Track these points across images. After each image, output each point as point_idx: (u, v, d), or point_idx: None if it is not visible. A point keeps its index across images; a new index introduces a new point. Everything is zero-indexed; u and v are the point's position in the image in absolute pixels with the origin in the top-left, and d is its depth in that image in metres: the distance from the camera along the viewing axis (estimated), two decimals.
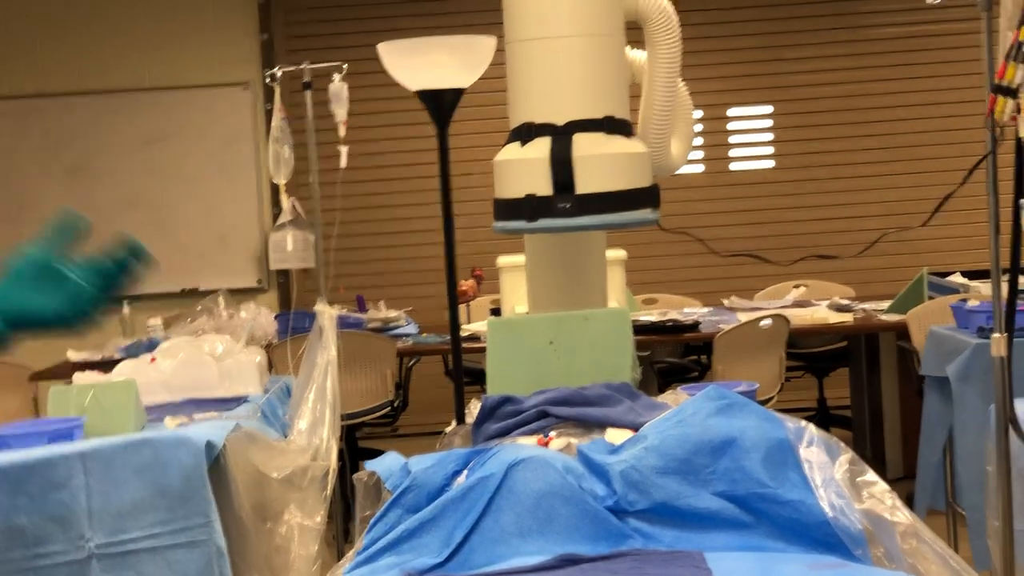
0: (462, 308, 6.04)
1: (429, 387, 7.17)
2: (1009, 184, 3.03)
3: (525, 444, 2.60)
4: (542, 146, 2.96)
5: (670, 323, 6.44)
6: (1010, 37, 2.86)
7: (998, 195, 3.24)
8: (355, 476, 2.62)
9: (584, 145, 2.95)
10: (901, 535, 2.23)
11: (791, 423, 2.42)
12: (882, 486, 2.32)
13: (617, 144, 2.98)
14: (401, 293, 7.93)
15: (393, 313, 7.16)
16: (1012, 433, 3.27)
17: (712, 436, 2.38)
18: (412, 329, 7.00)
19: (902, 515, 2.25)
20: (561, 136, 2.95)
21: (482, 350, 3.62)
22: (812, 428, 2.41)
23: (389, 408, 6.63)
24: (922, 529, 2.22)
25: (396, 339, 6.70)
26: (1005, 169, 3.06)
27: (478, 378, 5.19)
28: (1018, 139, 2.87)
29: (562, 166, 2.92)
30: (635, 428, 2.59)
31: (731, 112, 8.71)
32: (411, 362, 6.88)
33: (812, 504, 2.29)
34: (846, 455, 2.38)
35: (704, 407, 2.46)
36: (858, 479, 2.34)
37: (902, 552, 2.21)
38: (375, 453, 2.91)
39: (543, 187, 2.94)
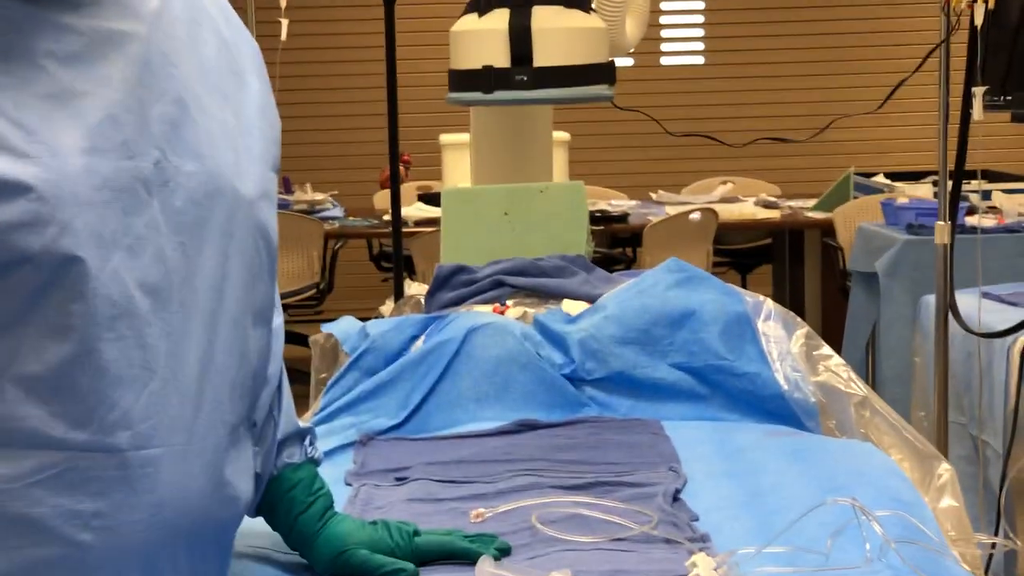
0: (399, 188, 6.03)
1: (354, 272, 7.16)
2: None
3: (483, 311, 2.61)
4: (500, 17, 2.95)
5: (599, 214, 6.45)
6: None
7: (949, 85, 3.27)
8: (311, 339, 2.62)
9: (543, 17, 2.93)
10: (855, 407, 2.26)
11: (749, 297, 2.46)
12: (838, 360, 2.35)
13: (576, 18, 2.97)
14: (329, 177, 7.88)
15: (320, 196, 7.12)
16: (952, 323, 3.33)
17: (671, 308, 2.40)
18: (338, 212, 6.97)
19: (857, 387, 2.29)
20: (520, 7, 2.93)
21: (412, 235, 3.64)
22: (770, 303, 2.45)
23: (315, 291, 6.64)
24: (875, 400, 2.26)
25: (323, 221, 6.68)
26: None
27: (408, 263, 5.22)
28: (971, 28, 2.90)
29: (520, 38, 2.91)
30: (591, 300, 2.60)
31: (664, 4, 8.68)
32: (336, 245, 6.86)
33: (768, 377, 2.32)
34: (802, 330, 2.41)
35: (664, 279, 2.49)
36: (814, 351, 2.37)
37: (855, 423, 2.26)
38: (299, 337, 2.90)
39: (501, 57, 2.93)
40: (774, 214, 6.66)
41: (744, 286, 7.45)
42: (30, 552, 1.27)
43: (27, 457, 1.25)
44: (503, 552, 1.66)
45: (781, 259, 7.14)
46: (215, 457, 1.41)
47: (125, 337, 1.30)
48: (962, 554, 1.72)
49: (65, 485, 1.27)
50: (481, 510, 1.82)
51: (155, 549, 1.34)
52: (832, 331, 6.42)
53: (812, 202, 6.82)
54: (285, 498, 1.65)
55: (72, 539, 1.27)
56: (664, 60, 8.79)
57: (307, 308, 6.65)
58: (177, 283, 1.36)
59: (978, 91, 2.87)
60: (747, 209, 6.70)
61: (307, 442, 1.71)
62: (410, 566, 1.61)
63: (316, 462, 1.72)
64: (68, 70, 1.31)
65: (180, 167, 1.37)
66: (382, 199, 6.76)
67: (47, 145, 1.26)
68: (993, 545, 2.59)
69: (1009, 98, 2.86)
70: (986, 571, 2.96)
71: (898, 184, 6.44)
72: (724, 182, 7.33)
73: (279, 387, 1.65)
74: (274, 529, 1.68)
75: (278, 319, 1.66)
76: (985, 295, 3.77)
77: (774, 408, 2.30)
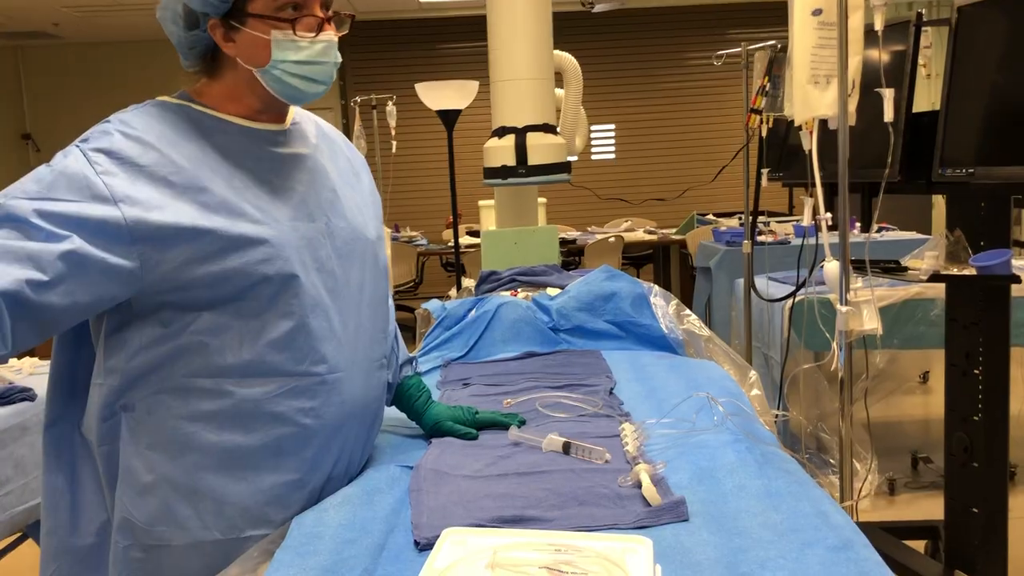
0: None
1: (432, 272, 7.15)
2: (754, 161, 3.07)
3: (505, 295, 2.59)
4: (511, 139, 2.93)
5: (561, 239, 6.43)
6: (758, 83, 2.86)
7: (748, 167, 3.26)
8: (416, 311, 2.61)
9: (533, 138, 2.91)
10: (704, 342, 2.25)
11: (645, 284, 2.43)
12: (694, 317, 2.34)
13: (550, 138, 2.95)
14: (419, 222, 7.87)
15: (414, 233, 7.11)
16: (752, 295, 3.31)
17: (604, 290, 2.38)
18: (424, 241, 6.96)
19: (705, 331, 2.27)
20: (521, 132, 2.91)
21: (463, 253, 3.64)
22: (656, 287, 2.42)
23: (412, 283, 6.61)
24: (716, 339, 2.24)
25: (416, 246, 6.67)
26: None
27: (461, 270, 5.22)
28: (760, 138, 2.88)
29: (521, 149, 2.89)
30: (562, 287, 2.58)
31: (593, 127, 8.62)
32: (424, 259, 6.85)
33: (656, 326, 2.31)
34: (674, 300, 2.39)
35: (599, 275, 2.47)
36: (682, 313, 2.36)
37: (704, 351, 2.24)
38: (407, 309, 2.89)
39: (511, 160, 2.91)
40: (654, 237, 6.62)
41: (638, 276, 7.52)
42: (278, 430, 1.27)
43: (274, 381, 1.27)
44: (521, 423, 1.65)
45: (658, 261, 7.10)
46: (368, 375, 1.41)
47: (319, 316, 1.31)
48: (765, 421, 1.70)
49: (294, 394, 1.28)
50: (509, 400, 1.81)
51: (343, 423, 1.35)
52: (687, 301, 6.43)
53: (674, 230, 6.79)
54: (405, 394, 1.64)
55: (299, 422, 1.29)
56: (594, 157, 8.70)
57: (408, 293, 6.64)
58: (342, 286, 1.36)
59: (764, 171, 2.85)
60: (639, 235, 6.66)
61: (413, 364, 1.69)
62: (473, 431, 1.60)
63: (419, 374, 1.70)
64: (277, 176, 1.33)
65: (337, 224, 1.37)
66: (448, 234, 6.76)
67: (272, 216, 1.28)
68: (776, 416, 2.58)
69: (780, 174, 2.83)
70: (778, 432, 2.97)
71: (719, 219, 6.42)
72: (626, 221, 7.30)
73: (396, 337, 1.63)
74: (400, 411, 1.66)
75: (390, 303, 1.65)
76: (770, 278, 3.75)
77: (661, 343, 2.29)
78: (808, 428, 3.59)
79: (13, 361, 2.71)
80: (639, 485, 1.28)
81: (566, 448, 1.47)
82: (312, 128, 1.45)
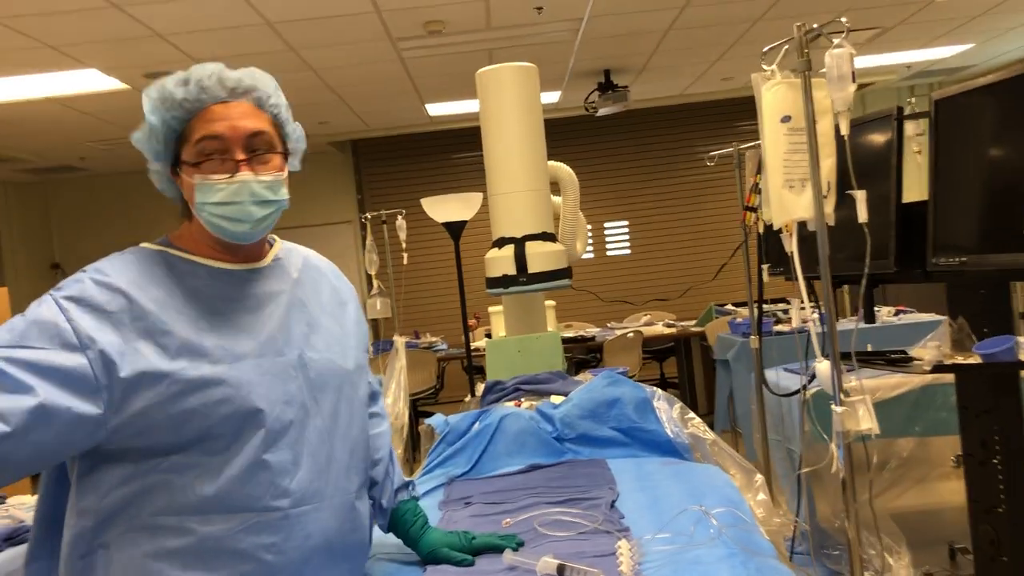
0: (471, 334, 6.06)
1: (454, 376, 7.14)
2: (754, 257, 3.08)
3: (508, 406, 2.58)
4: (510, 249, 2.96)
5: (580, 337, 6.44)
6: (751, 180, 2.89)
7: (749, 262, 3.27)
8: (419, 427, 2.61)
9: (532, 247, 2.94)
10: (709, 445, 2.22)
11: (648, 388, 2.41)
12: (698, 419, 2.31)
13: (549, 246, 2.97)
14: (438, 328, 7.91)
15: (434, 338, 7.13)
16: (764, 390, 3.27)
17: (606, 397, 2.37)
18: (443, 346, 6.98)
19: (710, 434, 2.25)
20: (520, 242, 2.95)
21: (482, 356, 3.65)
22: (659, 391, 2.41)
23: (433, 389, 6.60)
24: (720, 441, 2.22)
25: (436, 351, 6.68)
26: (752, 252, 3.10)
27: (480, 371, 5.21)
28: (758, 234, 2.89)
29: (520, 259, 2.92)
30: (566, 394, 2.57)
31: (606, 224, 8.72)
32: (444, 364, 6.85)
33: (661, 431, 2.28)
34: (678, 404, 2.37)
35: (601, 382, 2.45)
36: (686, 416, 2.33)
37: (711, 454, 2.21)
38: (428, 414, 2.90)
39: (511, 270, 2.93)
40: (673, 331, 6.60)
41: (661, 368, 7.53)
42: (241, 567, 1.28)
43: (236, 517, 1.28)
44: (519, 544, 1.62)
45: (680, 353, 7.06)
46: (341, 508, 1.40)
47: (282, 450, 1.32)
48: (767, 530, 1.66)
49: (256, 530, 1.29)
50: (508, 520, 1.78)
51: (310, 557, 1.34)
52: (710, 391, 6.36)
53: (694, 322, 6.77)
54: (400, 519, 1.63)
55: (261, 558, 1.29)
56: (609, 253, 8.77)
57: (430, 400, 6.63)
58: (312, 417, 1.38)
59: (765, 267, 2.85)
60: (657, 329, 6.65)
61: (410, 488, 1.68)
62: (469, 558, 1.57)
63: (416, 498, 1.68)
64: (247, 313, 1.37)
65: (311, 357, 1.40)
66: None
67: (234, 354, 1.31)
68: (795, 520, 2.51)
69: (780, 269, 2.83)
70: (793, 539, 2.88)
71: (738, 309, 6.40)
72: (646, 315, 7.30)
73: (391, 460, 1.63)
74: (396, 536, 1.64)
75: (384, 425, 1.66)
76: (785, 369, 3.71)
77: (667, 448, 2.26)
78: (836, 523, 3.48)
79: (26, 497, 2.72)
80: None
81: (560, 571, 1.44)
82: (297, 262, 1.50)
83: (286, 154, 1.41)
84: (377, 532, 1.63)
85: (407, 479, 1.68)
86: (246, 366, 1.31)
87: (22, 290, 8.43)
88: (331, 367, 1.42)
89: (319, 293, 1.50)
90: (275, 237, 1.52)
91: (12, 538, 2.25)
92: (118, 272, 1.29)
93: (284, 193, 1.37)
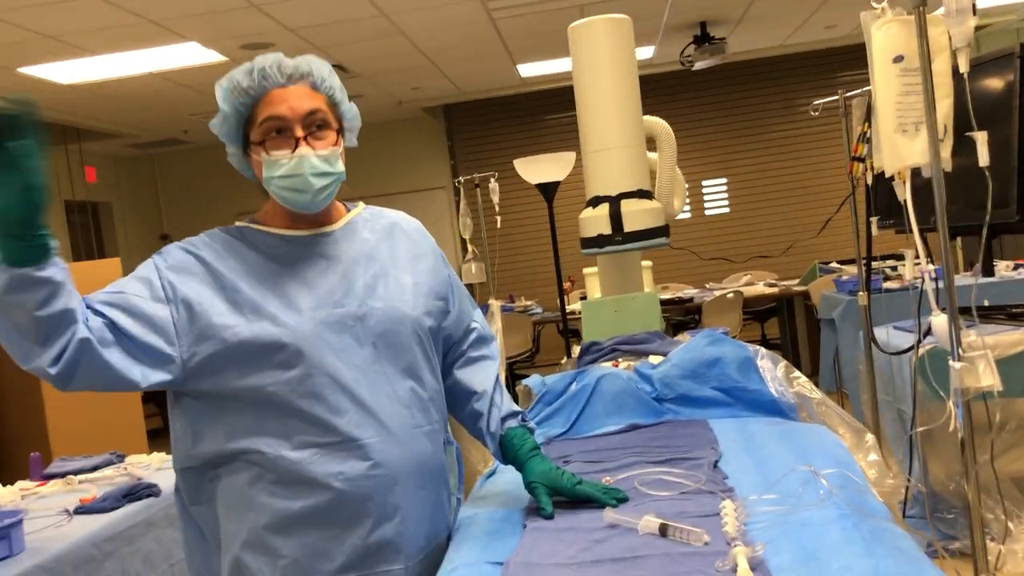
0: (565, 297, 6.05)
1: (549, 339, 7.14)
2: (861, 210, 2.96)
3: (606, 367, 2.55)
4: (604, 208, 2.92)
5: (677, 299, 6.35)
6: (858, 129, 2.77)
7: (857, 215, 3.14)
8: (517, 388, 2.62)
9: (627, 205, 2.90)
10: (816, 405, 2.15)
11: (751, 347, 2.35)
12: (804, 378, 2.24)
13: (645, 204, 2.92)
14: (533, 291, 7.92)
15: (529, 302, 7.15)
16: (873, 347, 3.17)
17: (707, 356, 2.32)
18: (539, 309, 6.98)
19: (816, 394, 2.18)
20: (615, 201, 2.90)
21: (578, 319, 3.62)
22: (763, 349, 2.34)
23: (529, 352, 6.62)
24: (828, 401, 2.15)
25: (531, 315, 6.69)
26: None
27: (575, 334, 5.20)
28: (867, 185, 2.78)
29: (616, 218, 2.88)
30: (664, 354, 2.53)
31: (704, 182, 8.53)
32: (540, 327, 6.85)
33: (765, 391, 2.22)
34: (783, 363, 2.30)
35: (702, 341, 2.40)
36: (791, 375, 2.27)
37: (818, 414, 2.14)
38: (525, 377, 2.90)
39: (606, 229, 2.90)
40: (775, 290, 6.44)
41: (763, 329, 7.36)
42: (316, 494, 1.45)
43: (302, 450, 1.46)
44: (620, 500, 1.60)
45: (782, 313, 6.89)
46: (409, 441, 1.51)
47: (330, 389, 1.47)
48: (879, 492, 1.60)
49: (321, 461, 1.45)
50: (608, 478, 1.76)
51: (380, 488, 1.47)
52: (814, 351, 6.20)
53: (796, 281, 6.59)
54: (508, 444, 1.66)
55: (332, 486, 1.45)
56: (707, 212, 8.59)
57: (526, 363, 6.66)
58: (371, 362, 1.51)
59: (873, 219, 2.74)
60: (758, 289, 6.49)
61: (520, 417, 1.71)
62: (548, 508, 1.56)
63: (529, 429, 1.70)
64: (312, 271, 1.55)
65: (373, 306, 1.53)
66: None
67: (296, 306, 1.49)
68: (909, 482, 2.42)
69: (891, 220, 2.71)
70: (904, 501, 2.78)
71: (843, 267, 6.18)
72: (745, 275, 7.13)
73: (497, 391, 1.71)
74: (507, 463, 1.68)
75: (490, 364, 1.75)
76: (895, 327, 3.57)
77: (771, 408, 2.20)
78: (951, 486, 3.35)
79: (142, 456, 2.85)
80: (736, 569, 1.21)
81: (663, 530, 1.41)
82: (378, 223, 1.65)
83: (341, 130, 1.56)
84: (489, 484, 1.71)
85: (518, 409, 1.71)
86: (303, 318, 1.47)
87: (134, 261, 8.80)
88: (394, 314, 1.54)
89: (395, 249, 1.62)
90: (358, 203, 1.68)
91: (131, 494, 2.35)
92: (203, 243, 1.54)
93: (340, 166, 1.53)
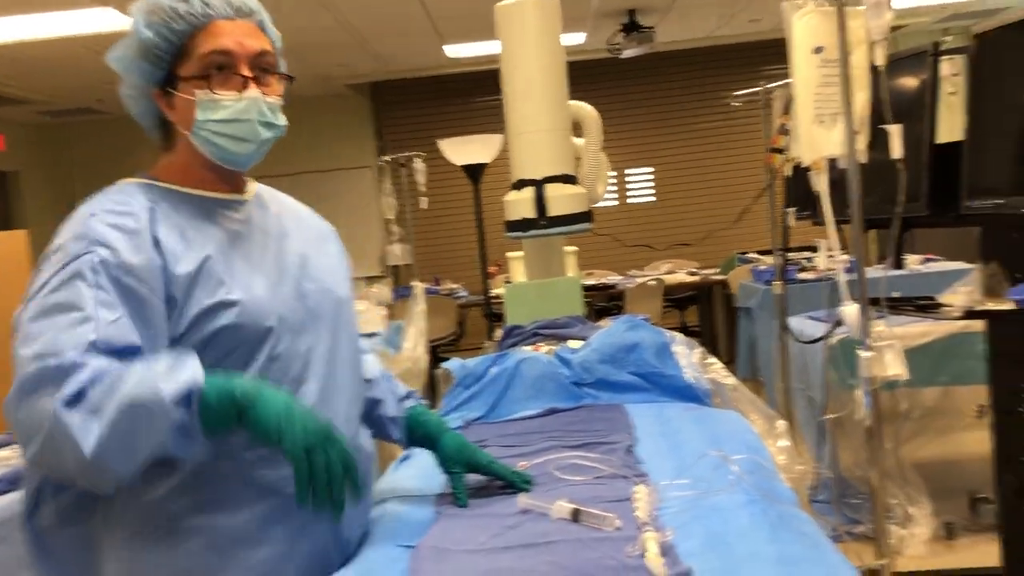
0: (490, 281, 6.03)
1: (474, 323, 7.12)
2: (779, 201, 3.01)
3: (526, 351, 2.54)
4: (529, 191, 2.90)
5: (601, 285, 6.40)
6: (778, 122, 2.81)
7: (774, 206, 3.19)
8: (436, 370, 2.59)
9: (552, 189, 2.88)
10: (730, 391, 2.18)
11: (668, 333, 2.37)
12: (719, 364, 2.27)
13: (569, 188, 2.92)
14: (458, 274, 7.86)
15: (454, 285, 7.11)
16: (787, 336, 3.23)
17: (625, 341, 2.32)
18: (464, 293, 6.95)
19: (730, 380, 2.21)
20: (539, 184, 2.89)
21: (502, 303, 3.62)
22: (678, 335, 2.37)
23: (453, 336, 6.60)
24: (741, 387, 2.18)
25: (456, 298, 6.67)
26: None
27: (499, 318, 5.19)
28: (785, 177, 2.82)
29: (540, 201, 2.87)
30: (585, 339, 2.52)
31: (628, 171, 8.59)
32: (465, 310, 6.83)
33: (680, 376, 2.24)
34: (698, 349, 2.34)
35: (620, 326, 2.41)
36: (706, 361, 2.29)
37: (731, 400, 2.17)
38: (447, 360, 2.87)
39: (531, 213, 2.88)
40: (695, 279, 6.55)
41: (683, 320, 7.46)
42: (260, 503, 1.27)
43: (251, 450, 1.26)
44: (529, 483, 1.58)
45: (702, 301, 7.01)
46: (350, 438, 1.36)
47: (289, 376, 1.31)
48: (788, 478, 1.62)
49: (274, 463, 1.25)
50: (524, 463, 1.74)
51: None
52: (731, 339, 6.32)
53: (716, 270, 6.71)
54: (416, 423, 1.60)
55: (283, 492, 1.24)
56: (630, 201, 8.65)
57: (450, 346, 6.63)
58: (313, 349, 1.36)
59: (791, 210, 2.78)
60: (679, 277, 6.59)
61: (414, 396, 1.65)
62: (464, 500, 1.52)
63: (424, 405, 1.65)
64: (247, 245, 1.36)
65: (307, 287, 1.38)
66: (489, 284, 6.77)
67: (243, 284, 1.30)
68: (816, 469, 2.48)
69: (807, 212, 2.76)
70: (814, 486, 2.86)
71: (761, 257, 6.31)
72: (667, 263, 7.23)
73: (385, 377, 1.62)
74: (415, 445, 1.62)
75: (369, 353, 1.63)
76: (809, 316, 3.65)
77: (687, 394, 2.22)
78: (858, 472, 3.45)
79: None
80: (646, 554, 1.21)
81: (575, 515, 1.41)
82: (270, 199, 1.48)
83: (285, 80, 1.38)
84: (403, 468, 1.66)
85: (410, 389, 1.65)
86: (257, 293, 1.30)
87: (43, 232, 8.46)
88: (328, 296, 1.41)
89: (301, 229, 1.48)
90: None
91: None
92: (132, 213, 1.25)
93: (284, 119, 1.35)
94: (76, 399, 1.06)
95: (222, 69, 1.28)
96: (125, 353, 1.13)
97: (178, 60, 1.29)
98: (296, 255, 1.41)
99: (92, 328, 1.12)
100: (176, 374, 1.09)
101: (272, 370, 1.27)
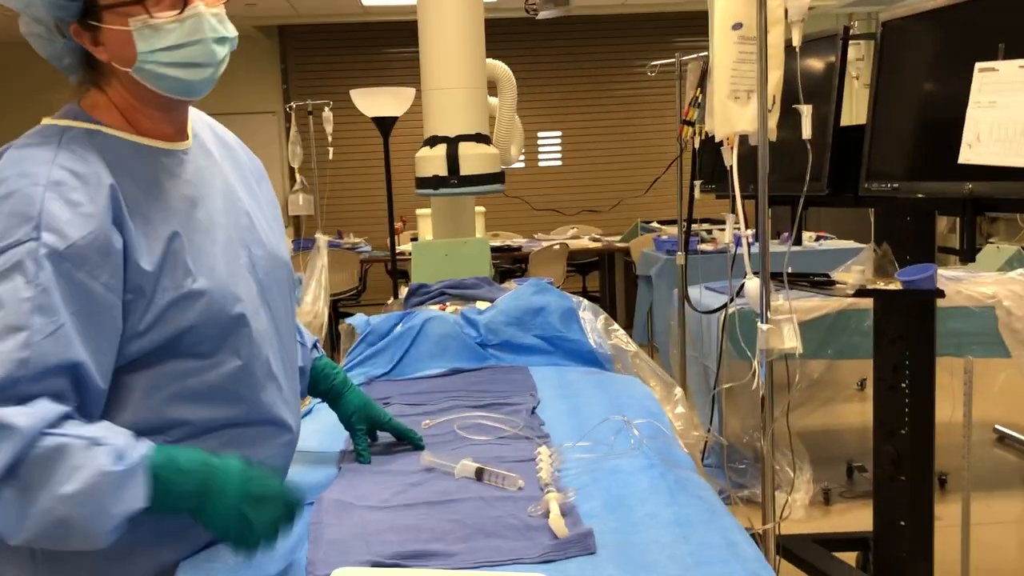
0: (396, 237, 5.97)
1: (376, 279, 7.05)
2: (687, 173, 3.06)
3: (432, 310, 2.53)
4: (442, 148, 2.87)
5: (506, 247, 6.42)
6: (690, 94, 2.85)
7: (682, 178, 3.25)
8: (340, 326, 2.56)
9: (465, 148, 2.86)
10: (631, 357, 2.22)
11: (574, 299, 2.39)
12: (622, 331, 2.31)
13: (483, 148, 2.90)
14: (363, 228, 7.74)
15: (357, 239, 7.01)
16: (686, 305, 3.30)
17: (532, 304, 2.34)
18: (367, 248, 6.86)
19: (632, 347, 2.25)
20: (452, 142, 2.86)
21: (407, 260, 3.60)
22: (585, 302, 2.39)
23: (355, 291, 6.52)
24: (642, 354, 2.22)
25: (359, 252, 6.58)
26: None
27: (404, 275, 5.15)
28: (693, 149, 2.86)
29: (453, 160, 2.84)
30: (491, 300, 2.54)
31: (539, 134, 8.59)
32: (367, 266, 6.74)
33: (584, 341, 2.27)
34: (602, 315, 2.36)
35: (528, 290, 2.43)
36: (609, 328, 2.33)
37: (632, 366, 2.21)
38: (349, 315, 2.83)
39: (442, 171, 2.86)
40: (598, 245, 6.62)
41: (584, 282, 7.56)
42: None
43: (220, 428, 1.19)
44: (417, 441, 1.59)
45: (603, 268, 7.11)
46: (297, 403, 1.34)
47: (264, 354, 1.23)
48: (684, 443, 1.67)
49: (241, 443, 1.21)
50: (427, 421, 1.76)
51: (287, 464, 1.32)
52: (631, 306, 6.44)
53: (619, 237, 6.80)
54: (321, 376, 1.56)
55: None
56: (541, 164, 8.66)
57: (351, 301, 6.55)
58: (273, 320, 1.28)
59: (697, 183, 2.84)
60: (583, 243, 6.66)
61: (318, 347, 1.60)
62: (367, 457, 1.51)
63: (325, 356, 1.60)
64: (200, 210, 1.20)
65: (257, 254, 1.27)
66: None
67: (209, 268, 1.17)
68: (709, 432, 2.56)
69: (713, 186, 2.82)
70: (703, 451, 2.95)
71: (663, 227, 6.43)
72: (572, 228, 7.30)
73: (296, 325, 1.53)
74: (314, 396, 1.57)
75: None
76: (707, 287, 3.75)
77: (590, 359, 2.26)
78: (745, 438, 3.59)
79: None
80: (548, 514, 1.23)
81: (479, 474, 1.42)
82: (208, 135, 1.31)
83: None
84: (304, 423, 1.60)
85: (314, 337, 1.61)
86: (220, 276, 1.16)
87: None
88: (275, 262, 1.30)
89: (239, 170, 1.34)
90: None
91: None
92: (88, 184, 1.06)
93: (233, 28, 1.18)
94: (7, 474, 0.93)
95: None
96: (61, 371, 0.99)
97: None
98: (244, 215, 1.27)
99: (24, 341, 0.96)
100: (123, 492, 0.97)
101: (244, 357, 1.17)
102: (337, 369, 1.59)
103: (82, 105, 1.16)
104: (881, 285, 2.20)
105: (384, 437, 1.61)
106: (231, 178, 1.30)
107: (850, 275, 2.26)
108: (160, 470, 1.02)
